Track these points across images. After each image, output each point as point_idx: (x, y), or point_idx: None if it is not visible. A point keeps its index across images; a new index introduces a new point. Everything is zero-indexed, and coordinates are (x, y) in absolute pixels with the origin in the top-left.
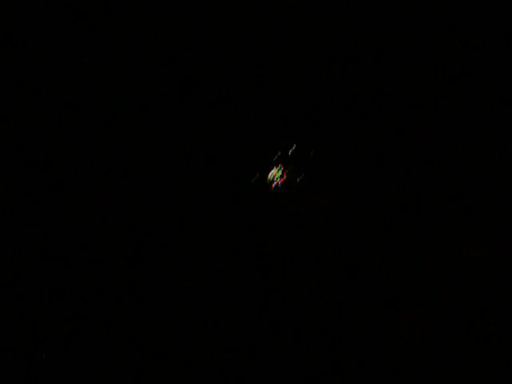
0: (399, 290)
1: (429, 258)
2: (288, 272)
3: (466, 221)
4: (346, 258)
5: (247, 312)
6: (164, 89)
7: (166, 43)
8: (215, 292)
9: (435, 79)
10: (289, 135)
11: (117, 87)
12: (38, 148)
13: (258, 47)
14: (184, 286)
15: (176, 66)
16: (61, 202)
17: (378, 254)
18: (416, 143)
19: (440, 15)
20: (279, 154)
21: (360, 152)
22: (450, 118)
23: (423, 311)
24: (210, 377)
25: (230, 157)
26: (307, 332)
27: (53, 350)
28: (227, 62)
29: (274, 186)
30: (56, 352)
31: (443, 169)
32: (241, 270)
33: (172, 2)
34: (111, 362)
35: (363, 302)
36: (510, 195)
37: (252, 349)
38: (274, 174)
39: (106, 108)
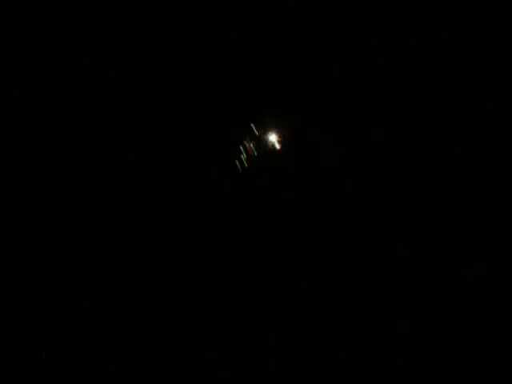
0: (399, 290)
1: (429, 258)
2: (288, 272)
3: (466, 221)
4: (345, 258)
5: (247, 312)
6: (164, 89)
7: (166, 43)
8: (215, 292)
9: (435, 79)
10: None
11: (117, 87)
12: (38, 148)
13: (257, 47)
14: (184, 286)
15: (176, 65)
16: (61, 201)
17: (378, 254)
18: (416, 143)
19: (440, 15)
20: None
21: (360, 151)
22: (449, 118)
23: (423, 311)
24: (210, 377)
25: (229, 156)
26: (307, 332)
27: (53, 349)
28: (227, 62)
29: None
30: (56, 352)
31: (443, 169)
32: (241, 270)
33: (172, 2)
34: (111, 362)
35: (363, 301)
36: (509, 195)
37: (252, 349)
38: None
39: (106, 108)
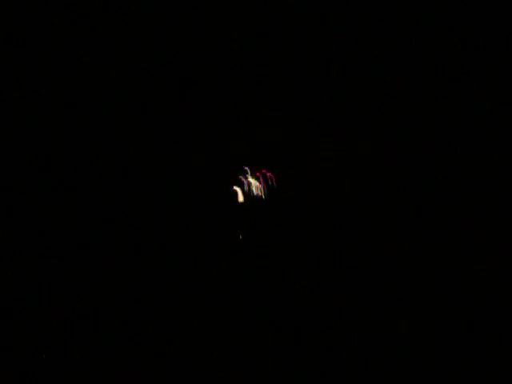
0: (399, 290)
1: (429, 258)
2: (288, 272)
3: (466, 221)
4: (346, 258)
5: (247, 312)
6: (164, 89)
7: (166, 43)
8: (215, 292)
9: (435, 79)
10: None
11: (117, 87)
12: (38, 148)
13: (258, 47)
14: (184, 286)
15: (176, 65)
16: (61, 201)
17: (378, 254)
18: (416, 143)
19: (440, 15)
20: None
21: (360, 151)
22: (450, 117)
23: (423, 311)
24: (210, 377)
25: (229, 156)
26: (307, 332)
27: (53, 349)
28: (227, 62)
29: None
30: (56, 352)
31: (443, 169)
32: (241, 270)
33: (172, 2)
34: (111, 362)
35: (363, 301)
36: (509, 195)
37: (252, 349)
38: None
39: (106, 108)
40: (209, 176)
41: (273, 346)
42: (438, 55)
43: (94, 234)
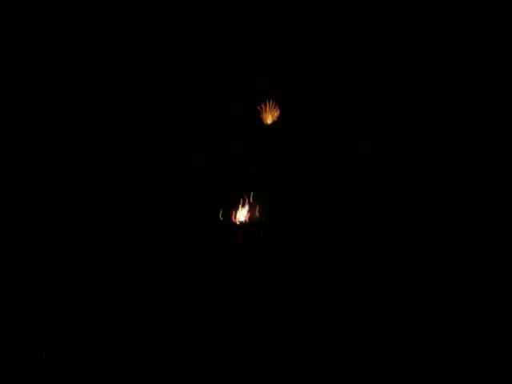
0: (399, 290)
1: (429, 258)
2: (288, 272)
3: (466, 221)
4: (346, 258)
5: (247, 312)
6: (164, 89)
7: (166, 43)
8: (215, 292)
9: (435, 79)
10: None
11: (117, 87)
12: (38, 148)
13: (257, 47)
14: (184, 286)
15: (176, 66)
16: (61, 201)
17: (378, 254)
18: (416, 143)
19: (440, 15)
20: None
21: (360, 152)
22: (449, 118)
23: (423, 311)
24: (210, 377)
25: (228, 157)
26: (307, 332)
27: (53, 349)
28: (227, 62)
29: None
30: (56, 352)
31: (443, 169)
32: (241, 270)
33: (172, 2)
34: (111, 362)
35: (363, 302)
36: (509, 195)
37: (252, 349)
38: None
39: (106, 108)
40: (209, 176)
41: (273, 345)
42: (438, 55)
43: (94, 233)
